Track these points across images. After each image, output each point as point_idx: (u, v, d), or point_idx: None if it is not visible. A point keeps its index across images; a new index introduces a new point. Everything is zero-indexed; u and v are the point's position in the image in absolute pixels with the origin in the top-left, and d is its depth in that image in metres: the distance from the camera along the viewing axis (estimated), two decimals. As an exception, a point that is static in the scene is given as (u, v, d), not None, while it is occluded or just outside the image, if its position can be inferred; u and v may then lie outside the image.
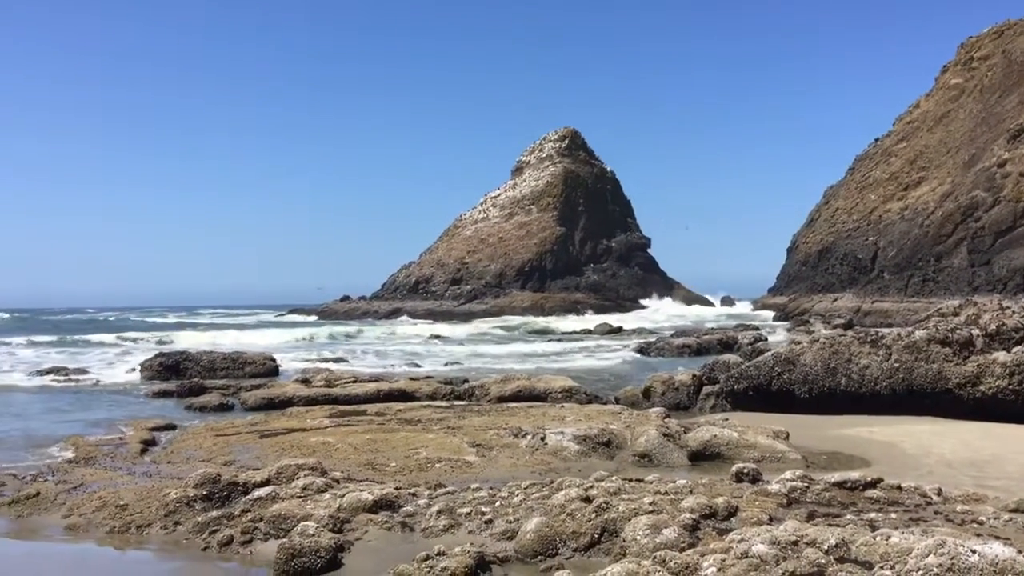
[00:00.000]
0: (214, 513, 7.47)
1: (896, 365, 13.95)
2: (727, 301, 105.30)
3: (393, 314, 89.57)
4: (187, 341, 41.82)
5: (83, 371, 24.63)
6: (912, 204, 68.51)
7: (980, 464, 9.51)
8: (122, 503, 8.02)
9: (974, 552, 4.37)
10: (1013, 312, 14.94)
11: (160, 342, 41.42)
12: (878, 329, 16.60)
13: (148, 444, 12.12)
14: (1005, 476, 8.78)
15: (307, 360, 29.32)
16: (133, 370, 24.28)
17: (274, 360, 25.69)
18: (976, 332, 13.96)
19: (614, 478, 7.70)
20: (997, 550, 4.53)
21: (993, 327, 13.99)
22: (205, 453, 11.04)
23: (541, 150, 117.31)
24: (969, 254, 57.21)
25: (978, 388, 13.25)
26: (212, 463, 10.09)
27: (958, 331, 14.03)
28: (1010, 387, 12.99)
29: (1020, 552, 4.77)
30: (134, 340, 42.65)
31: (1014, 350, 13.35)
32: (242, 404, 17.33)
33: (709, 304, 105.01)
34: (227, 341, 41.33)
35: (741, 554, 4.94)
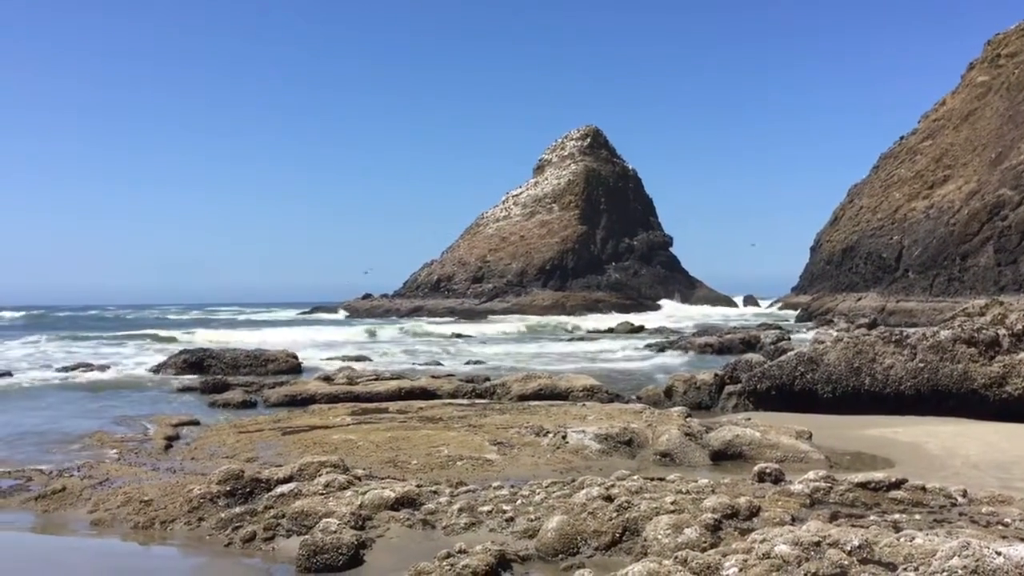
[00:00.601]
0: (237, 509, 7.53)
1: (921, 365, 13.83)
2: (750, 300, 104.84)
3: (414, 312, 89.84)
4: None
5: (108, 367, 24.88)
6: (937, 203, 67.87)
7: (1006, 465, 9.41)
8: (146, 499, 8.10)
9: (999, 554, 4.33)
10: (1040, 312, 14.77)
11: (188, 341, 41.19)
12: (903, 329, 16.46)
13: (172, 440, 12.23)
14: (1032, 478, 8.68)
15: (330, 359, 29.46)
16: (158, 367, 24.48)
17: (296, 357, 25.83)
18: (1002, 332, 13.81)
19: (635, 477, 7.69)
20: (1023, 552, 4.49)
21: (1020, 327, 13.83)
22: (228, 450, 11.12)
23: (563, 148, 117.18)
24: (995, 253, 56.58)
25: (1004, 389, 13.11)
26: (235, 460, 10.17)
27: (984, 331, 13.88)
28: (1037, 388, 12.84)
29: (1046, 555, 4.72)
30: (166, 338, 42.52)
31: (1041, 350, 13.20)
32: (265, 401, 17.45)
33: (732, 304, 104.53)
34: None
35: (763, 554, 4.92)
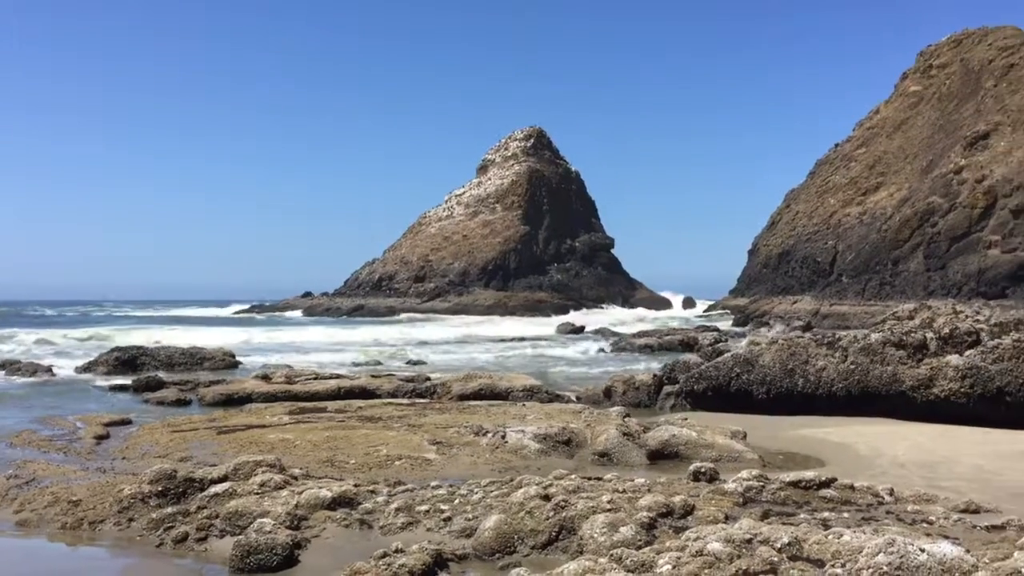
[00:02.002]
0: (169, 509, 7.39)
1: (852, 367, 14.15)
2: (689, 302, 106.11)
3: (355, 311, 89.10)
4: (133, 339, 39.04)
5: (37, 365, 24.20)
6: (870, 209, 69.59)
7: (932, 465, 9.68)
8: (75, 499, 7.90)
9: (923, 551, 4.46)
10: (966, 316, 15.23)
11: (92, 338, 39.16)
12: (836, 331, 16.83)
13: (103, 439, 11.95)
14: (955, 477, 8.95)
15: (267, 355, 29.07)
16: (88, 365, 23.89)
17: (233, 356, 25.45)
18: (930, 336, 14.21)
19: (573, 476, 7.74)
20: (945, 549, 4.63)
21: (946, 331, 14.24)
22: (161, 449, 10.91)
23: (506, 149, 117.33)
24: (925, 259, 58.23)
25: (931, 391, 13.48)
26: (168, 459, 9.98)
27: (912, 334, 14.27)
28: (962, 390, 13.23)
29: (968, 551, 4.87)
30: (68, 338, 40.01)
31: (966, 354, 13.61)
32: (200, 400, 17.15)
33: (669, 305, 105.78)
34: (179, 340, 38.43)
35: (696, 552, 4.99)
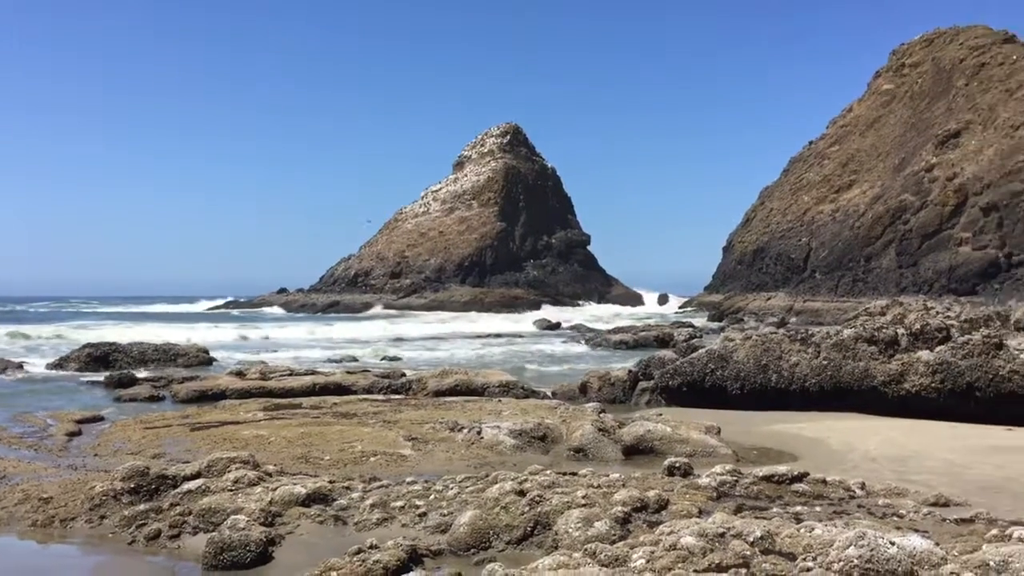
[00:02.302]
0: (142, 507, 7.33)
1: (825, 363, 14.28)
2: (664, 299, 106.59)
3: (331, 307, 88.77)
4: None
5: (7, 362, 23.89)
6: (843, 206, 70.24)
7: (902, 459, 9.79)
8: (46, 496, 7.82)
9: (893, 544, 4.51)
10: (937, 312, 15.42)
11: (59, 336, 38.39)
12: (809, 327, 16.98)
13: (74, 436, 11.83)
14: (926, 471, 9.06)
15: (242, 352, 28.90)
16: (59, 361, 23.63)
17: (207, 352, 25.27)
18: (901, 331, 14.37)
19: (548, 472, 7.76)
20: (915, 542, 4.69)
21: (917, 327, 14.40)
22: (134, 446, 10.82)
23: (483, 145, 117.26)
24: (897, 256, 58.90)
25: (902, 386, 13.64)
26: (141, 456, 9.90)
27: (884, 330, 14.42)
28: (932, 385, 13.40)
29: (937, 544, 4.94)
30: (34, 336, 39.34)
31: (937, 349, 13.77)
32: (173, 396, 17.01)
33: (645, 302, 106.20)
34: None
35: (670, 546, 5.02)
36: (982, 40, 70.99)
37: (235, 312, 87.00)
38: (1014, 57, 65.84)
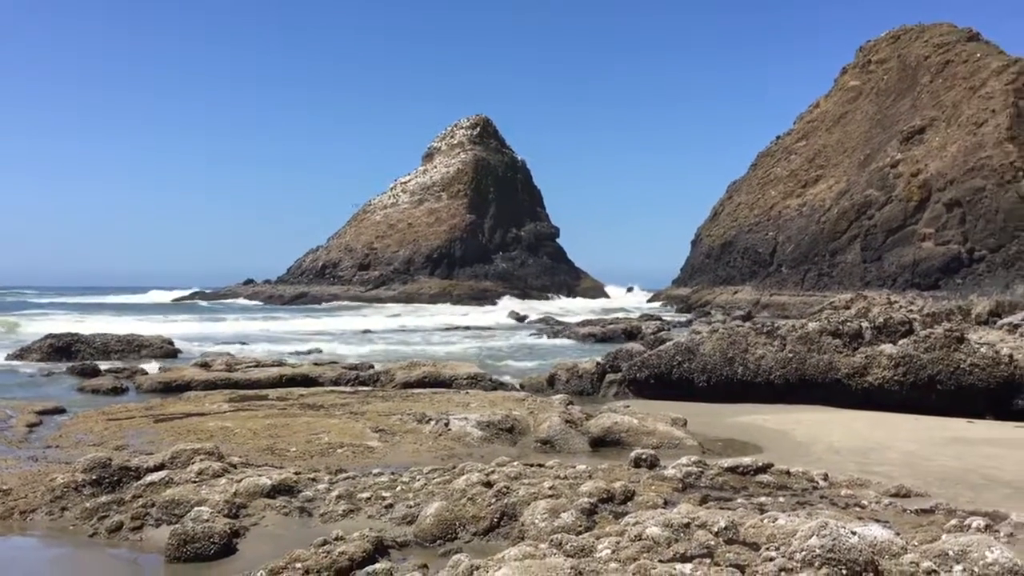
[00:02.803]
0: (103, 499, 7.24)
1: (790, 355, 14.42)
2: (632, 292, 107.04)
3: (298, 299, 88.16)
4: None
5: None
6: (810, 201, 70.90)
7: (865, 451, 9.92)
8: (5, 488, 7.69)
9: (854, 534, 4.56)
10: (900, 306, 15.63)
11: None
12: (775, 320, 17.13)
13: (34, 427, 11.66)
14: (888, 463, 9.18)
15: (208, 344, 28.63)
16: (20, 352, 23.25)
17: (172, 343, 25.00)
18: (865, 325, 14.54)
19: (515, 463, 7.77)
20: (876, 532, 4.75)
21: (881, 320, 14.59)
22: (96, 437, 10.68)
23: (452, 137, 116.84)
24: (862, 250, 59.58)
25: (866, 378, 13.81)
26: (103, 447, 9.77)
27: (848, 324, 14.58)
28: (895, 378, 13.58)
29: (898, 534, 5.01)
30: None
31: (900, 343, 13.96)
32: (137, 388, 16.82)
33: (613, 295, 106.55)
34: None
35: (635, 536, 5.05)
36: (947, 38, 71.89)
37: (203, 303, 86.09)
38: (978, 55, 66.75)
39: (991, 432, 11.27)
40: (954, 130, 60.91)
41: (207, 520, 6.23)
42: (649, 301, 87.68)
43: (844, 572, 4.34)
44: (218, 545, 6.09)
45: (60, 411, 13.22)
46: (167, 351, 24.12)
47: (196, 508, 6.46)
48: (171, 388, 16.28)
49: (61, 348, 22.73)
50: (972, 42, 69.87)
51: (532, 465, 7.78)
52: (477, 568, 4.69)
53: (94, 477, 7.59)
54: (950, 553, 4.65)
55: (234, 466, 7.92)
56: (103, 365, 20.02)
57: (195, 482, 7.26)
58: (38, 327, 34.90)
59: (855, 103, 79.53)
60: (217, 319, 48.65)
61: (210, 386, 16.19)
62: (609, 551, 4.89)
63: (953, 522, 5.89)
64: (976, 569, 4.49)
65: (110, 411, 12.75)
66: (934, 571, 4.47)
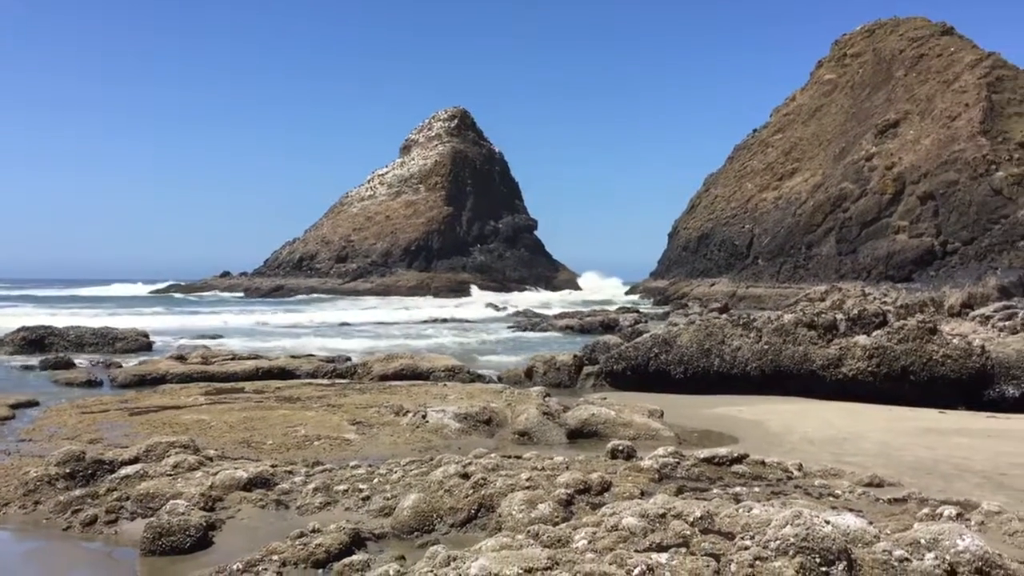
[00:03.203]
0: (77, 492, 7.18)
1: (766, 347, 14.52)
2: (610, 284, 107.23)
3: (275, 291, 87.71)
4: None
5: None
6: (786, 194, 71.31)
7: (839, 441, 10.02)
8: (-23, 482, 7.61)
9: (828, 523, 4.61)
10: (874, 298, 15.77)
11: None
12: (751, 312, 17.24)
13: (7, 420, 11.53)
14: (861, 453, 9.28)
15: (183, 337, 28.43)
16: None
17: (147, 336, 24.81)
18: (840, 317, 14.67)
19: (493, 455, 7.78)
20: (849, 521, 4.80)
21: (855, 312, 14.72)
22: (70, 431, 10.57)
23: (430, 129, 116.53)
24: (837, 243, 60.03)
25: (840, 370, 13.94)
26: (77, 441, 9.68)
27: (823, 315, 14.70)
28: (869, 369, 13.72)
29: (871, 523, 5.06)
30: None
31: (873, 334, 14.10)
32: (112, 381, 16.68)
33: (591, 287, 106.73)
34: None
35: (612, 527, 5.07)
36: (921, 32, 72.48)
37: (178, 296, 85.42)
38: (951, 49, 67.35)
39: (963, 422, 11.41)
40: (928, 123, 61.47)
41: (183, 513, 6.20)
42: (627, 293, 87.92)
43: (817, 561, 4.38)
44: (194, 538, 6.06)
45: (33, 404, 13.09)
46: (142, 344, 23.93)
47: (171, 501, 6.43)
48: (146, 381, 16.17)
49: (34, 341, 22.50)
50: (946, 36, 70.49)
51: (509, 457, 7.80)
52: (454, 559, 4.70)
53: (68, 470, 7.53)
54: (922, 541, 4.71)
55: (210, 459, 7.88)
56: (77, 358, 19.84)
57: (170, 475, 7.22)
58: (7, 321, 34.59)
59: (830, 96, 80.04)
60: (193, 312, 48.30)
61: (186, 379, 16.10)
62: (586, 541, 4.91)
63: (925, 511, 5.96)
64: (948, 557, 4.55)
65: (84, 404, 12.64)
66: (906, 559, 4.53)
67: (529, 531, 5.21)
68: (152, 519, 6.22)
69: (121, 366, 18.06)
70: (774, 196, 72.83)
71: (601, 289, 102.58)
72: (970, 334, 14.11)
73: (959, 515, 5.74)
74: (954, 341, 13.65)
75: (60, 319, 35.32)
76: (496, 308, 55.43)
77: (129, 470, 7.42)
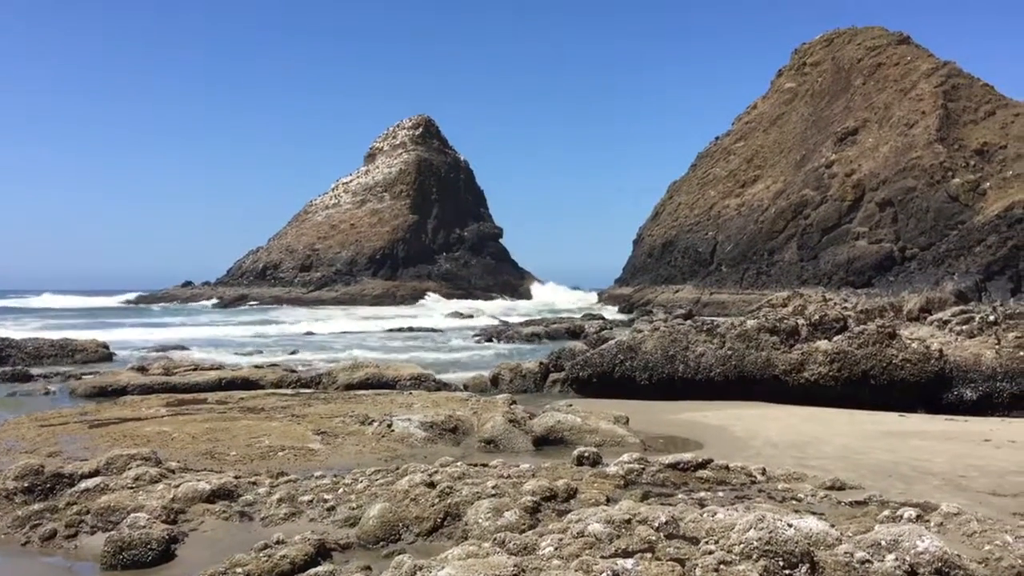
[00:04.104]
0: (36, 506, 7.06)
1: (729, 352, 14.65)
2: (576, 292, 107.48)
3: (239, 300, 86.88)
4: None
5: None
6: (748, 201, 72.02)
7: (801, 445, 10.13)
8: (-69, 498, 7.45)
9: (791, 526, 4.66)
10: (835, 304, 15.98)
11: None
12: (715, 319, 17.39)
13: (-37, 436, 11.29)
14: (823, 456, 9.39)
15: (145, 349, 28.06)
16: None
17: (107, 347, 24.47)
18: (802, 322, 14.84)
19: (459, 463, 7.77)
20: (812, 524, 4.85)
21: (816, 317, 14.90)
22: (28, 444, 10.38)
23: (395, 137, 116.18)
24: (799, 249, 60.75)
25: (802, 374, 14.10)
26: (36, 454, 9.51)
27: (785, 321, 14.87)
28: (830, 373, 13.89)
29: (833, 526, 5.13)
30: None
31: (834, 339, 14.27)
32: (71, 393, 16.43)
33: (557, 295, 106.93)
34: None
35: (577, 533, 5.09)
36: (879, 41, 73.66)
37: (140, 307, 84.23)
38: (908, 58, 68.53)
39: (922, 425, 11.59)
40: (886, 131, 62.47)
41: (144, 526, 6.11)
42: (594, 301, 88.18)
43: (781, 564, 4.43)
44: (156, 551, 5.98)
45: (-10, 418, 12.84)
46: (102, 355, 23.60)
47: (133, 514, 6.34)
48: (106, 393, 15.93)
49: (-10, 353, 22.10)
50: (903, 45, 71.68)
51: (476, 465, 7.79)
52: (420, 568, 4.69)
53: (26, 484, 7.39)
54: (883, 543, 4.78)
55: (172, 471, 7.78)
56: (35, 370, 19.50)
57: (131, 488, 7.12)
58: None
59: (791, 105, 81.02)
60: (155, 323, 47.68)
61: (147, 390, 15.88)
62: (552, 548, 4.92)
63: (886, 513, 6.05)
64: (908, 558, 4.62)
65: (43, 417, 12.41)
66: (868, 561, 4.59)
67: (495, 539, 5.21)
68: (113, 533, 6.13)
69: (80, 378, 17.78)
70: (737, 203, 73.51)
71: (567, 297, 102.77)
72: (928, 338, 14.34)
73: (919, 517, 5.82)
74: (913, 345, 13.86)
75: (11, 332, 34.82)
76: (462, 316, 55.35)
77: (89, 483, 7.31)
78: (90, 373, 18.63)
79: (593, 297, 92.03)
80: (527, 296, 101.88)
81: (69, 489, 7.35)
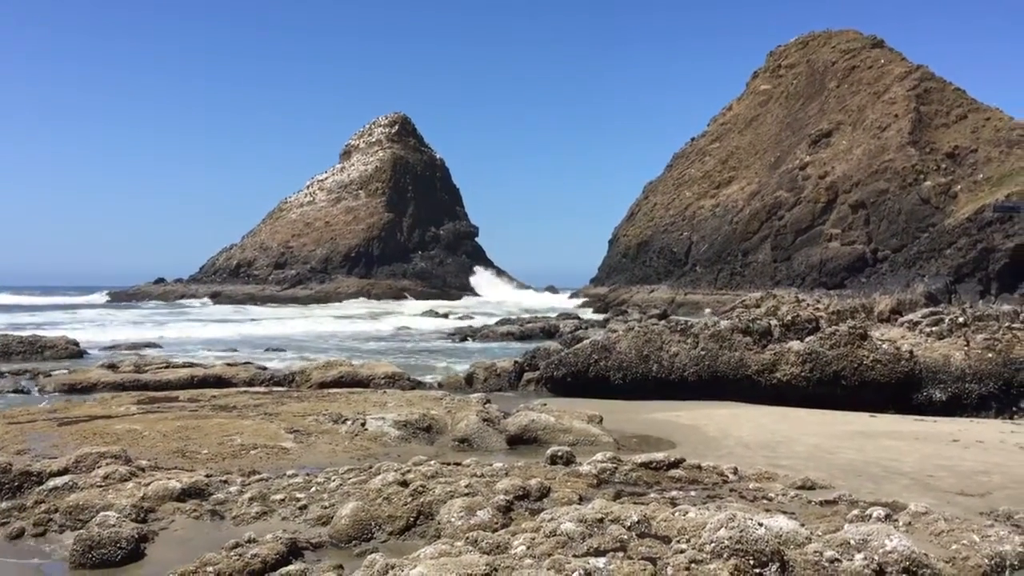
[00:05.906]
0: (3, 505, 6.97)
1: (703, 353, 14.73)
2: (551, 291, 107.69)
3: (212, 298, 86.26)
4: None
5: None
6: (723, 202, 72.48)
7: (773, 445, 10.20)
8: None
9: (761, 525, 4.70)
10: (807, 305, 16.11)
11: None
12: (689, 319, 17.48)
13: (-71, 433, 11.12)
14: (794, 456, 9.46)
15: (114, 346, 27.78)
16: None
17: (77, 344, 24.20)
18: (774, 323, 14.95)
19: (432, 462, 7.76)
20: (782, 523, 4.90)
21: (789, 318, 15.02)
22: (-5, 442, 10.25)
23: (370, 134, 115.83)
24: (772, 250, 61.23)
25: (775, 375, 14.20)
26: (3, 452, 9.38)
27: (758, 322, 14.97)
28: (802, 374, 14.00)
29: (803, 525, 5.18)
30: None
31: (807, 340, 14.39)
32: (40, 390, 16.24)
33: (533, 294, 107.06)
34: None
35: (550, 532, 5.10)
36: (853, 44, 74.39)
37: (112, 303, 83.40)
38: (881, 61, 69.25)
39: (892, 426, 11.71)
40: (859, 134, 63.08)
41: (113, 525, 6.05)
42: (570, 298, 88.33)
43: (751, 562, 4.46)
44: (125, 550, 5.92)
45: (-44, 415, 12.66)
46: (72, 352, 23.34)
47: (102, 513, 6.27)
48: (76, 390, 15.77)
49: (-42, 350, 21.80)
50: (876, 49, 72.43)
51: (449, 464, 7.78)
52: (392, 567, 4.68)
53: (-7, 483, 7.29)
54: (852, 542, 4.83)
55: (142, 469, 7.71)
56: (3, 367, 19.26)
57: (101, 486, 7.05)
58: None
59: (766, 107, 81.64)
60: (127, 321, 47.22)
61: (118, 388, 15.73)
62: (524, 547, 4.93)
63: (855, 512, 6.11)
64: (876, 557, 4.67)
65: (10, 414, 12.25)
66: (837, 560, 4.64)
67: (468, 538, 5.21)
68: (82, 531, 6.07)
69: (50, 375, 17.57)
70: (712, 204, 73.96)
71: (542, 297, 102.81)
72: (899, 339, 14.50)
73: (888, 516, 5.89)
74: (884, 346, 14.01)
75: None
76: (437, 314, 55.25)
77: (58, 481, 7.22)
78: (60, 370, 18.42)
79: (567, 297, 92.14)
80: (504, 295, 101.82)
81: (37, 487, 7.26)
